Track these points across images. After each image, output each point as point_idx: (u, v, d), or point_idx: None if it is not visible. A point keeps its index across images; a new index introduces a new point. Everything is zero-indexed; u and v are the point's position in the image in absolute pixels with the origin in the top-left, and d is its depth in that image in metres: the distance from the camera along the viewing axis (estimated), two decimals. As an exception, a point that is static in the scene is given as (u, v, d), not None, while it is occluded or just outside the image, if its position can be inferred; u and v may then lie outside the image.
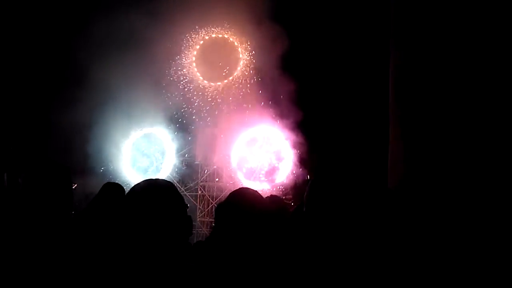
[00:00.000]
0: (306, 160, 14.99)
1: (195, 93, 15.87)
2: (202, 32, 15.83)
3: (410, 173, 3.30)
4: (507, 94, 2.93)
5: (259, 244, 1.99)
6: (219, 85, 15.94)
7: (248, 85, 15.57)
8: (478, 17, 3.07)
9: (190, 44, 15.90)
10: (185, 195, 16.08)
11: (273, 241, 2.01)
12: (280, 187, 15.17)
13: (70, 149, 13.29)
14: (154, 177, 2.04)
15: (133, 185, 1.87)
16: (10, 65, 13.15)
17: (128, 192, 1.85)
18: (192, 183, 16.60)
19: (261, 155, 15.56)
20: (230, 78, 15.86)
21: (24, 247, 2.00)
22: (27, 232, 2.04)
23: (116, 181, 3.95)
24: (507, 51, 2.97)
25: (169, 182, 1.89)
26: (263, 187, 14.76)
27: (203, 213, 16.15)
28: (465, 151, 2.99)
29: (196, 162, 16.29)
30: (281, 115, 14.57)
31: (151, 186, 1.84)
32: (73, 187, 2.30)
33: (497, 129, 2.92)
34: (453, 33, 3.16)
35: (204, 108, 15.81)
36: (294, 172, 15.23)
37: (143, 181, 1.88)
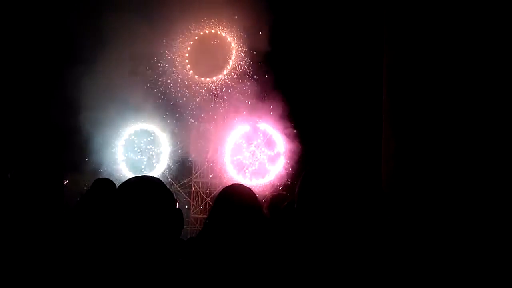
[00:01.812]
0: (299, 156, 15.03)
1: (188, 89, 15.83)
2: (194, 27, 15.77)
3: (403, 170, 3.32)
4: (500, 92, 2.95)
5: (249, 239, 2.00)
6: (212, 81, 15.90)
7: (241, 81, 15.56)
8: (470, 16, 3.09)
9: (183, 39, 15.83)
10: (179, 191, 16.06)
11: (263, 237, 2.01)
12: (273, 183, 15.20)
13: (61, 145, 13.22)
14: (146, 174, 2.05)
15: (121, 182, 1.88)
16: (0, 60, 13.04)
17: (117, 188, 1.86)
18: (185, 179, 16.57)
19: (255, 151, 15.57)
20: (223, 73, 15.82)
21: (14, 243, 1.99)
22: (17, 228, 2.03)
23: (109, 178, 3.94)
24: (500, 49, 2.98)
25: (156, 177, 1.91)
26: (256, 183, 14.78)
27: (196, 210, 16.13)
28: (457, 148, 3.01)
29: (190, 159, 16.26)
30: (273, 111, 14.59)
31: (139, 182, 1.84)
32: (64, 184, 2.29)
33: (489, 127, 2.95)
34: (445, 32, 3.18)
35: (198, 104, 15.79)
36: (286, 168, 15.26)
37: (131, 178, 1.89)
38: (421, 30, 3.32)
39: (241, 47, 15.77)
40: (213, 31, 15.84)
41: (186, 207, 15.79)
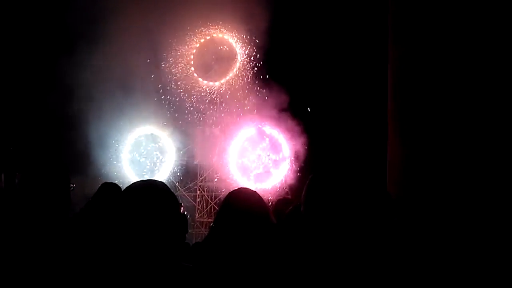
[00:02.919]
0: (305, 160, 15.01)
1: (193, 93, 15.87)
2: (199, 31, 15.83)
3: (409, 172, 3.31)
4: (506, 94, 2.93)
5: (255, 244, 1.99)
6: (217, 85, 15.93)
7: (246, 84, 15.58)
8: (476, 16, 3.07)
9: (188, 43, 15.89)
10: (184, 195, 16.06)
11: (269, 242, 2.01)
12: (279, 186, 15.18)
13: (68, 149, 13.28)
14: (151, 178, 2.06)
15: (126, 186, 1.88)
16: (3, 62, 13.09)
17: (122, 192, 1.86)
18: (191, 183, 16.57)
19: (260, 155, 15.56)
20: (229, 76, 15.85)
21: (21, 247, 2.00)
22: (24, 232, 2.03)
23: (115, 182, 3.95)
24: (507, 51, 2.96)
25: (161, 182, 1.91)
26: (262, 187, 14.76)
27: (202, 213, 16.13)
28: (463, 150, 2.99)
29: (195, 162, 16.27)
30: (278, 114, 14.57)
31: (144, 186, 1.84)
32: (72, 187, 2.29)
33: (495, 128, 2.92)
34: (451, 34, 3.16)
35: (202, 108, 15.83)
36: (292, 171, 15.23)
37: (135, 182, 1.89)
38: (427, 31, 3.31)
39: (246, 50, 15.81)
40: (215, 35, 15.88)
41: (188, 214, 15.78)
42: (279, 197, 4.26)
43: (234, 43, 15.90)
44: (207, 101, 15.80)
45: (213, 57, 15.75)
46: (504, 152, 2.86)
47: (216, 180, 16.02)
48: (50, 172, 2.14)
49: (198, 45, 15.84)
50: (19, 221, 2.08)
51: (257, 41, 15.17)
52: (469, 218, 2.80)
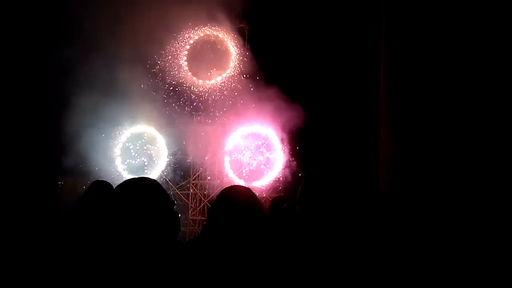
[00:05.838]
0: (298, 158, 15.06)
1: (187, 91, 15.84)
2: (193, 29, 15.79)
3: (401, 171, 3.32)
4: (500, 93, 2.94)
5: (249, 240, 1.98)
6: (211, 83, 15.91)
7: (240, 83, 15.58)
8: (470, 16, 3.08)
9: (182, 41, 15.84)
10: (177, 193, 16.03)
11: (263, 239, 2.00)
12: (272, 184, 15.21)
13: (58, 147, 13.16)
14: (143, 176, 2.03)
15: (118, 184, 1.86)
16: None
17: (114, 190, 1.84)
18: (183, 181, 16.55)
19: (253, 153, 15.57)
20: (223, 75, 15.83)
21: (10, 245, 1.97)
22: (13, 230, 2.01)
23: (106, 180, 3.91)
24: (500, 51, 2.98)
25: (154, 180, 1.89)
26: (255, 185, 14.78)
27: (195, 212, 16.11)
28: (456, 149, 3.00)
29: (188, 161, 16.24)
30: (272, 113, 14.59)
31: (137, 184, 1.83)
32: (60, 185, 2.26)
33: (488, 128, 2.94)
34: (445, 32, 3.17)
35: (196, 107, 15.81)
36: (286, 170, 15.27)
37: (128, 179, 1.87)
38: (420, 30, 3.31)
39: (241, 49, 15.82)
40: (208, 33, 15.85)
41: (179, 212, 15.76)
42: (275, 195, 4.30)
43: (228, 42, 15.88)
44: (201, 99, 15.78)
45: (208, 55, 15.73)
46: (497, 149, 2.87)
47: (209, 178, 16.01)
48: (37, 171, 2.12)
49: (188, 46, 15.79)
50: (8, 221, 2.05)
51: (249, 44, 15.25)
52: (463, 214, 2.81)
